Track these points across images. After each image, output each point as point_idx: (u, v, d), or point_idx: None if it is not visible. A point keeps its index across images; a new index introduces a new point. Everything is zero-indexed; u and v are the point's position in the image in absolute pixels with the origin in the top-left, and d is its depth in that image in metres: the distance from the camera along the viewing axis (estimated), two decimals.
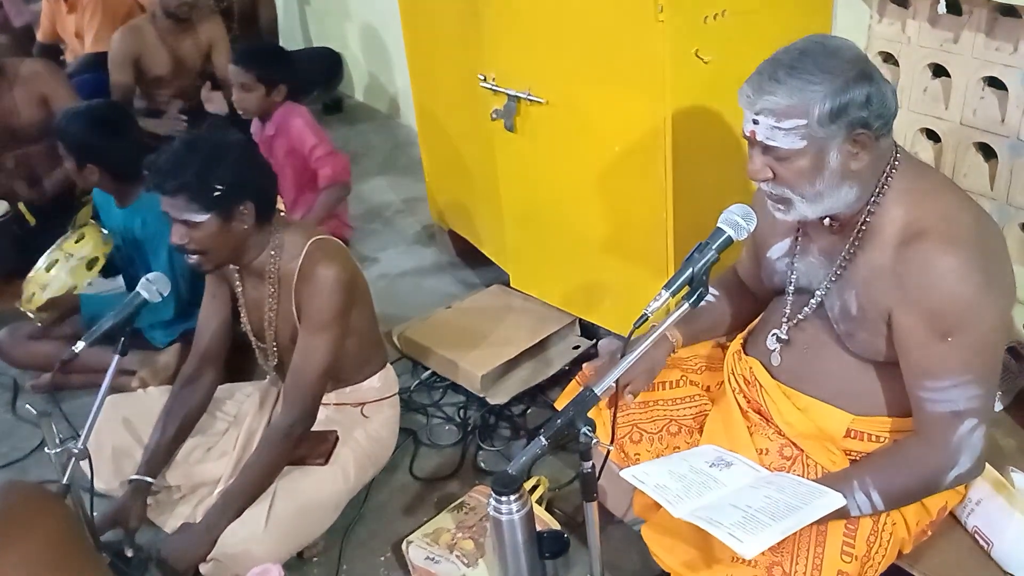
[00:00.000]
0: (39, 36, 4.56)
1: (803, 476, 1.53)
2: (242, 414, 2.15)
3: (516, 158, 2.45)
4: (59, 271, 2.51)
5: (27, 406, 2.43)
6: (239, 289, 2.03)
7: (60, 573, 1.02)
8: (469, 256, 3.09)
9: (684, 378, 1.80)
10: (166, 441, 2.01)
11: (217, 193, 1.79)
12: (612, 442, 1.60)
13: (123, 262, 2.63)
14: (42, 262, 2.53)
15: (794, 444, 1.58)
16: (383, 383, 2.15)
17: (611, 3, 2.03)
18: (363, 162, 3.93)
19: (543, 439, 1.44)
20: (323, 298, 1.87)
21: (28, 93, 3.10)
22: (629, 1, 1.97)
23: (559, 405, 2.01)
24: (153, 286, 1.89)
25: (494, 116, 2.41)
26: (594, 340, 2.55)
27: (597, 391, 1.44)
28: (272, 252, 1.93)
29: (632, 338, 1.46)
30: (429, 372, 2.54)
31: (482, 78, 2.39)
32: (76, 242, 2.54)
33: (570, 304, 2.56)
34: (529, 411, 2.40)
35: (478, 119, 2.54)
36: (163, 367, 2.45)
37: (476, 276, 3.06)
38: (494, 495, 1.67)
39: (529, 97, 2.29)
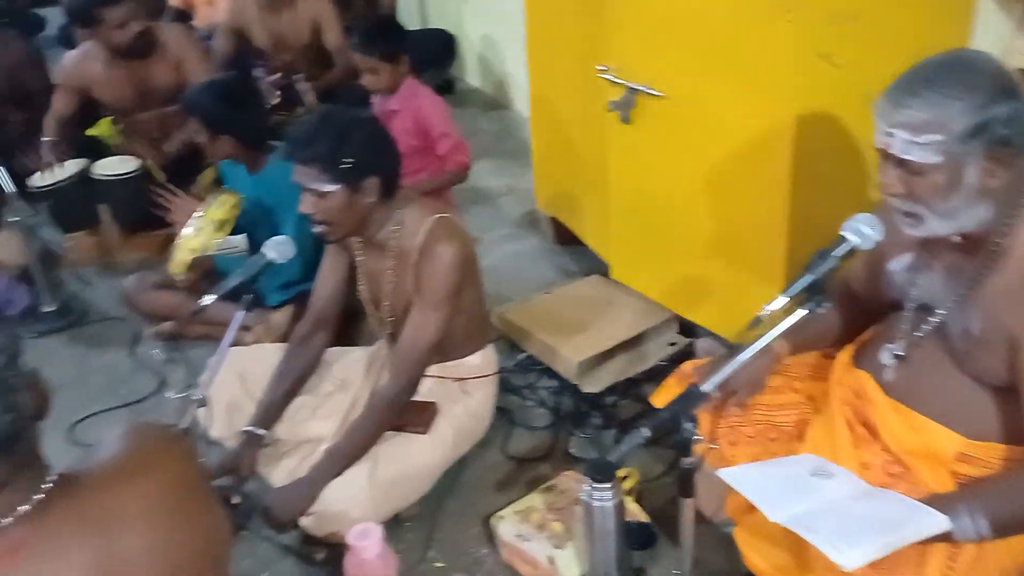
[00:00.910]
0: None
1: (908, 495, 1.50)
2: (349, 378, 2.24)
3: (629, 150, 2.46)
4: (197, 235, 2.65)
5: (154, 351, 2.60)
6: (359, 259, 2.11)
7: (180, 512, 1.07)
8: (569, 244, 3.12)
9: (787, 384, 1.79)
10: (278, 397, 2.11)
11: (346, 166, 1.86)
12: (712, 442, 1.61)
13: (250, 226, 2.76)
14: (191, 227, 2.67)
15: (901, 462, 1.55)
16: (484, 361, 2.21)
17: None
18: (470, 144, 3.98)
19: (646, 431, 1.46)
20: (440, 276, 1.94)
21: (167, 58, 3.26)
22: None
23: (655, 400, 2.02)
24: (280, 248, 1.98)
25: (610, 107, 2.42)
26: (691, 339, 2.54)
27: (705, 389, 1.45)
28: (394, 227, 2.00)
29: (739, 341, 1.47)
30: (525, 355, 2.59)
31: (601, 69, 2.41)
32: (218, 207, 2.67)
33: (670, 300, 2.56)
34: (622, 402, 2.42)
35: (593, 109, 2.56)
36: (276, 325, 2.57)
37: (575, 264, 3.09)
38: (589, 481, 1.70)
39: (648, 90, 2.30)
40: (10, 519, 0.94)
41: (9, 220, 2.73)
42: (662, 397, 1.98)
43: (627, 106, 2.38)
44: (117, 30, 3.09)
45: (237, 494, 2.03)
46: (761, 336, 1.54)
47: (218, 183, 3.30)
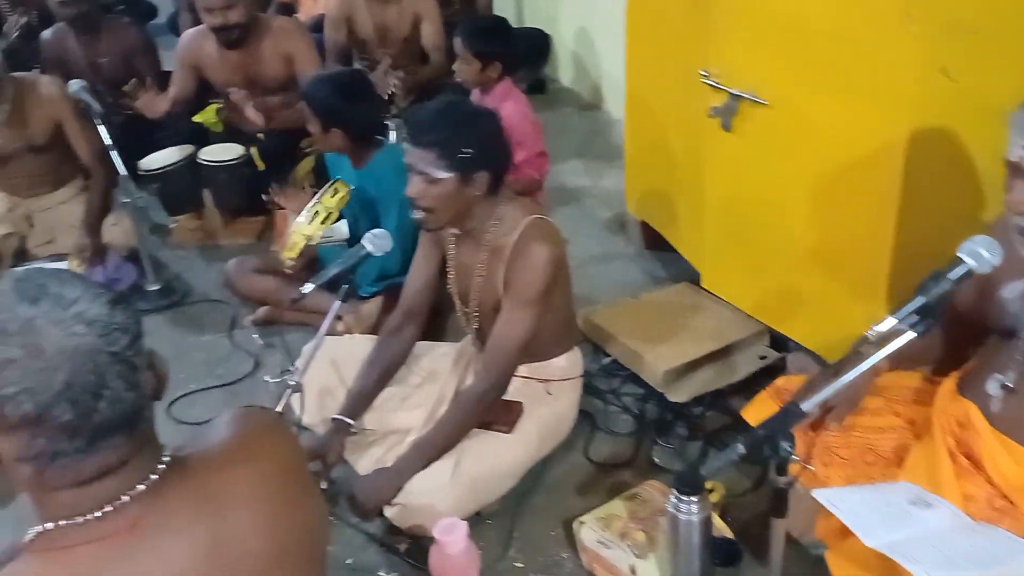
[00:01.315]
0: None
1: (1012, 531, 1.44)
2: (436, 371, 2.27)
3: (728, 158, 2.42)
4: (310, 223, 2.72)
5: (254, 336, 2.67)
6: (451, 252, 2.14)
7: (285, 495, 1.09)
8: (658, 249, 3.09)
9: (888, 407, 1.74)
10: (368, 386, 2.16)
11: (464, 155, 1.88)
12: (808, 462, 1.57)
13: (351, 218, 2.83)
14: (304, 215, 2.75)
15: (1006, 497, 1.49)
16: (570, 363, 2.21)
17: (856, 7, 1.96)
18: (561, 144, 3.99)
19: (740, 448, 1.44)
20: (533, 274, 1.95)
21: (275, 48, 3.36)
22: (876, 6, 1.90)
23: (747, 415, 1.99)
24: (378, 241, 2.02)
25: (711, 113, 2.38)
26: (782, 353, 2.49)
27: (804, 408, 1.42)
28: (493, 223, 2.02)
29: (840, 359, 1.43)
30: (610, 359, 2.58)
31: (704, 74, 2.37)
32: (332, 196, 2.74)
33: (762, 313, 2.51)
34: (708, 414, 2.38)
35: (691, 114, 2.53)
36: (367, 316, 2.62)
37: (663, 270, 3.06)
38: (676, 493, 1.69)
39: (752, 97, 2.25)
40: (127, 497, 0.97)
41: (122, 201, 2.84)
42: (754, 412, 1.95)
43: (729, 113, 2.34)
44: (220, 14, 3.18)
45: (324, 480, 2.08)
46: (865, 356, 1.50)
47: (315, 173, 3.40)
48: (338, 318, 2.64)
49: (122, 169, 2.82)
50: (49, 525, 0.96)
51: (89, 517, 0.95)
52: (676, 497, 1.69)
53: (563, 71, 4.87)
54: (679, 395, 2.37)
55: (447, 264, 2.17)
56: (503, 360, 2.00)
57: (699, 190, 2.57)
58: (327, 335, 2.40)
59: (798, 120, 2.16)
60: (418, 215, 1.99)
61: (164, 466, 1.00)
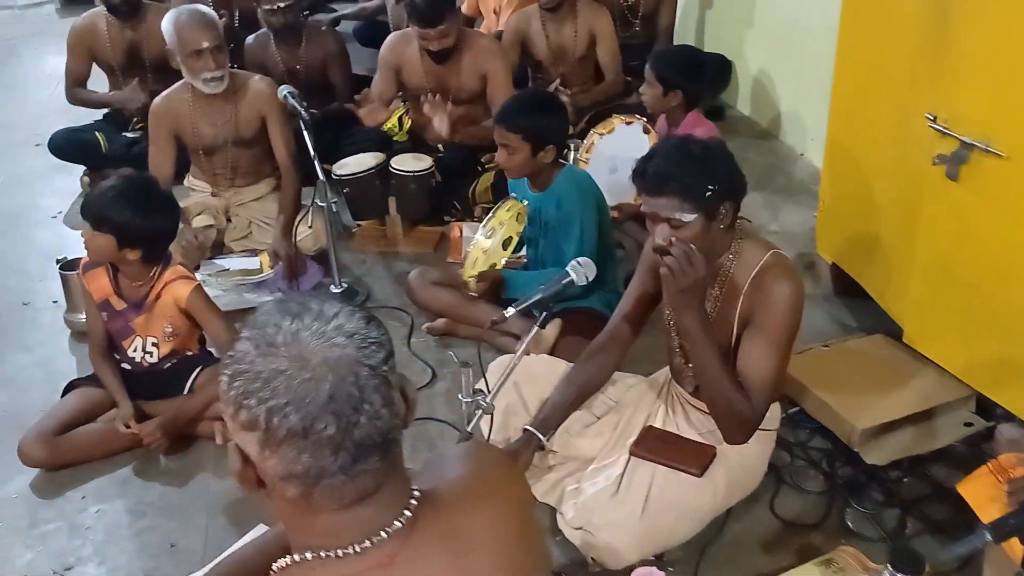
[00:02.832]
0: (464, 8, 5.00)
1: None
2: (623, 402, 2.22)
3: (950, 210, 2.25)
4: (490, 244, 2.74)
5: (450, 353, 2.71)
6: None
7: (521, 534, 1.07)
8: (848, 295, 2.92)
9: None
10: (563, 403, 2.12)
11: (709, 193, 1.83)
12: None
13: (529, 240, 2.83)
14: (480, 232, 2.78)
15: None
16: (771, 415, 2.11)
17: None
18: None
19: (988, 536, 1.32)
20: (781, 314, 1.88)
21: (474, 64, 3.43)
22: None
23: (963, 489, 1.85)
24: (582, 270, 2.00)
25: (936, 161, 2.23)
26: (991, 422, 2.30)
27: None
28: (730, 255, 1.96)
29: None
30: (797, 408, 2.45)
31: (930, 118, 2.22)
32: (507, 211, 2.76)
33: (971, 376, 2.32)
34: (905, 480, 2.22)
35: (909, 159, 2.38)
36: (546, 338, 2.61)
37: (853, 318, 2.90)
38: (891, 570, 1.57)
39: (986, 147, 2.09)
40: (384, 534, 0.96)
41: (317, 204, 2.95)
42: (973, 489, 1.81)
43: (957, 161, 2.18)
44: (436, 42, 3.31)
45: None
46: None
47: (494, 189, 3.43)
48: (516, 337, 2.65)
49: (321, 176, 2.92)
50: (308, 555, 0.96)
51: (349, 551, 0.95)
52: (888, 572, 1.58)
53: (742, 99, 4.74)
54: (876, 457, 2.22)
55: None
56: (764, 388, 1.91)
57: (909, 240, 2.41)
58: (504, 353, 2.43)
59: None
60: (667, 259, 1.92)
61: (415, 501, 1.00)
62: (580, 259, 2.02)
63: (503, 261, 2.77)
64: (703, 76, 3.15)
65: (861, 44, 2.72)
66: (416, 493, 1.01)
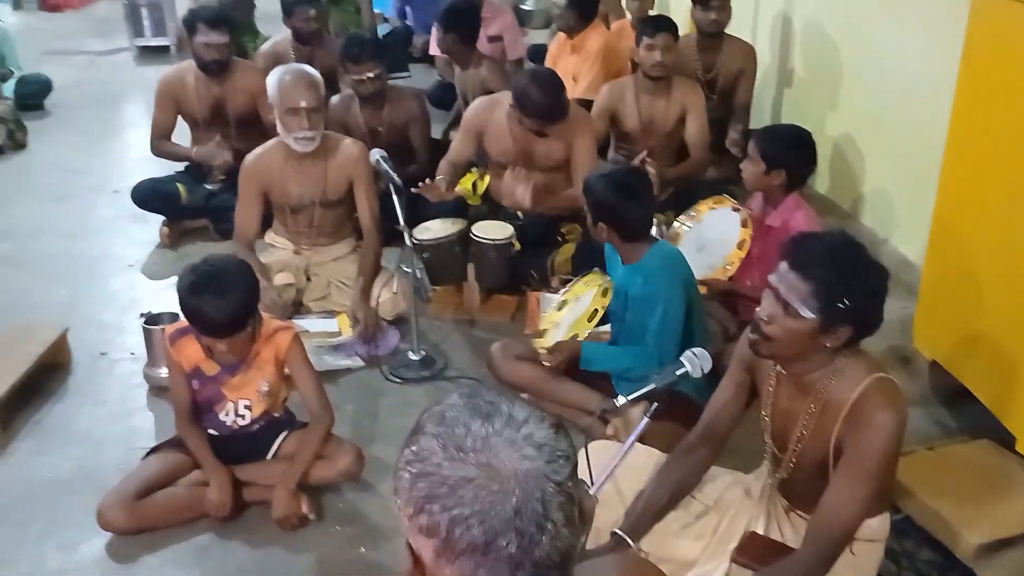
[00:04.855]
0: None
1: None
2: (722, 503, 2.11)
3: None
4: (567, 315, 2.69)
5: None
6: (770, 389, 1.99)
7: None
8: (946, 395, 2.80)
9: None
10: (656, 506, 2.03)
11: (841, 306, 1.73)
12: None
13: (613, 315, 2.76)
14: (555, 301, 2.73)
15: None
16: (881, 525, 1.98)
17: None
18: None
19: None
20: (878, 446, 1.75)
21: (562, 135, 3.40)
22: None
23: None
24: (698, 362, 1.92)
25: None
26: None
27: None
28: (829, 373, 1.84)
29: None
30: (902, 515, 2.32)
31: None
32: (585, 284, 2.71)
33: None
34: None
35: None
36: (633, 421, 2.52)
37: (953, 420, 2.77)
38: None
39: None
40: None
41: (403, 269, 2.91)
42: None
43: None
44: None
45: None
46: None
47: (574, 261, 3.38)
48: (605, 421, 2.57)
49: (408, 241, 2.89)
50: None
51: None
52: None
53: (820, 178, 4.66)
54: (994, 574, 2.09)
55: (762, 400, 2.02)
56: (832, 538, 1.80)
57: None
58: (589, 435, 2.34)
59: None
60: (753, 336, 1.85)
61: None
62: (695, 350, 1.94)
63: (586, 333, 2.71)
64: (810, 157, 3.07)
65: (979, 126, 2.59)
66: None
